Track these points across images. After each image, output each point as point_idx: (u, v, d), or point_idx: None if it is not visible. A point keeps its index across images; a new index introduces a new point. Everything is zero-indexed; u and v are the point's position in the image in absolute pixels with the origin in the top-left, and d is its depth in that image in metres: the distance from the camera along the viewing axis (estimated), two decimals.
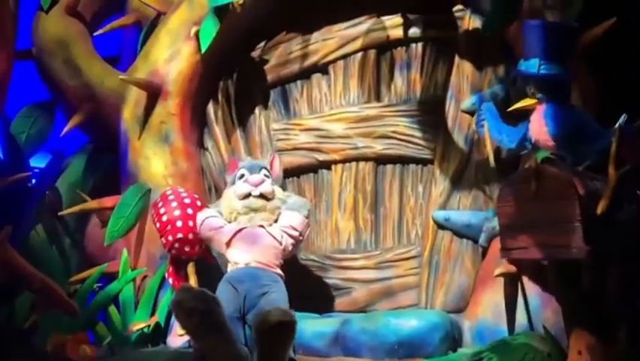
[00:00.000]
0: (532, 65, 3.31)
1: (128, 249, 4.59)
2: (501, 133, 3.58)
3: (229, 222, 4.03)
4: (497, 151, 4.28)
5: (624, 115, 3.20)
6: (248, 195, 4.02)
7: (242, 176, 4.10)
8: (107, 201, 4.68)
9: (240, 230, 3.96)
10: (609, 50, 3.90)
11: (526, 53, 3.39)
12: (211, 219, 4.05)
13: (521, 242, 3.30)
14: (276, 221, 4.02)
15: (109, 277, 4.64)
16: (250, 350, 3.37)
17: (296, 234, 3.99)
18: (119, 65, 5.37)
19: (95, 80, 4.94)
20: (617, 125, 3.19)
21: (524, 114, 3.51)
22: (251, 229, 3.96)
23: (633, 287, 3.35)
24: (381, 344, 3.73)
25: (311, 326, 3.90)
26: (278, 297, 3.74)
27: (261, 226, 3.97)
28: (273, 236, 3.94)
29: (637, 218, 3.30)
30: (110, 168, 5.01)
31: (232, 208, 4.03)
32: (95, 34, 5.16)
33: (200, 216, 4.08)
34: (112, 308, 4.46)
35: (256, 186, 4.02)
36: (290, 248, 3.99)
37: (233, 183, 4.14)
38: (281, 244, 3.94)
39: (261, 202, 4.02)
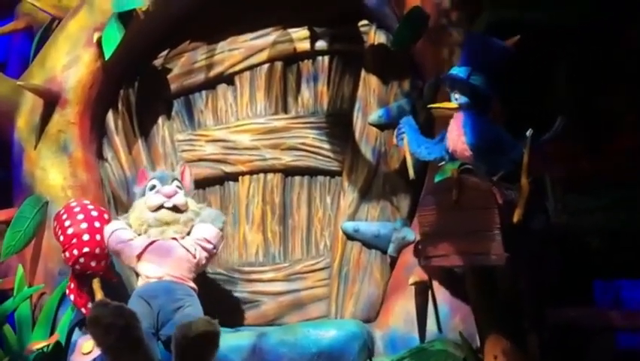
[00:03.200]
0: (462, 71, 3.41)
1: (23, 265, 4.34)
2: (420, 145, 3.66)
3: (139, 234, 3.89)
4: (404, 163, 4.40)
5: (530, 130, 3.34)
6: (160, 207, 3.90)
7: (153, 187, 3.98)
8: (0, 215, 4.40)
9: (152, 243, 3.84)
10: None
11: (461, 61, 3.50)
12: (120, 232, 3.90)
13: (441, 250, 3.38)
14: (188, 234, 3.92)
15: (1, 295, 4.36)
16: None
17: (210, 247, 3.91)
18: (6, 72, 5.09)
19: None
20: (527, 137, 3.32)
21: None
22: (163, 241, 3.85)
23: (543, 294, 3.51)
24: (300, 355, 3.71)
25: (226, 340, 3.77)
26: (193, 311, 3.64)
27: (174, 239, 3.85)
28: (186, 249, 3.84)
29: (547, 228, 3.46)
30: (1, 179, 4.73)
31: (143, 220, 3.90)
32: None
33: (108, 228, 3.92)
34: (7, 327, 4.20)
35: (169, 197, 3.91)
36: (204, 261, 3.91)
37: (143, 194, 4.00)
38: (195, 257, 3.85)
39: (173, 215, 3.91)
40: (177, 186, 3.99)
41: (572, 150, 3.86)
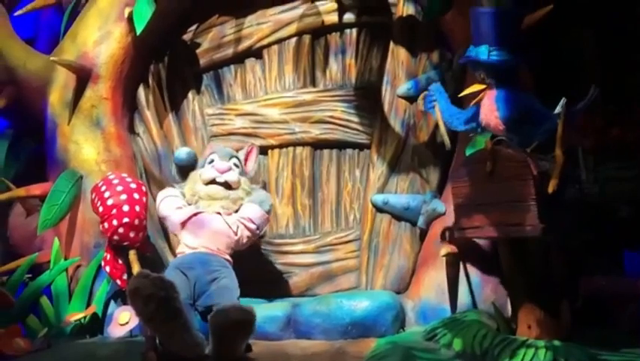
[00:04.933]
0: (482, 52, 3.38)
1: (58, 238, 4.41)
2: (451, 115, 3.65)
3: (190, 204, 3.97)
4: (433, 135, 4.42)
5: (564, 99, 3.33)
6: (212, 181, 3.95)
7: (212, 161, 4.03)
8: (35, 189, 4.48)
9: (197, 214, 3.90)
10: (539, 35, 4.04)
11: (476, 39, 3.46)
12: (171, 199, 3.99)
13: (476, 221, 3.39)
14: (236, 211, 3.97)
15: (35, 268, 4.44)
16: (206, 336, 3.32)
17: (253, 227, 3.96)
18: (35, 47, 5.12)
19: (17, 63, 4.73)
20: (559, 107, 3.31)
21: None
22: (207, 214, 3.91)
23: (575, 264, 3.53)
24: (334, 325, 3.76)
25: (262, 311, 3.84)
26: (228, 283, 3.70)
27: (219, 213, 3.90)
28: (228, 225, 3.89)
29: (580, 198, 3.47)
30: (33, 154, 4.79)
31: (194, 191, 3.99)
32: (15, 14, 4.89)
33: (162, 194, 4.04)
34: (44, 299, 4.29)
35: (222, 173, 3.98)
36: (244, 240, 3.96)
37: (203, 166, 4.06)
38: (236, 234, 3.90)
39: (223, 191, 3.96)
40: (234, 164, 4.03)
41: (602, 120, 3.85)
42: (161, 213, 4.01)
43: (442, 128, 3.72)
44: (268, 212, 4.05)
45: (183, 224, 3.90)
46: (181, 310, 3.21)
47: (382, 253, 4.38)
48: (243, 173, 4.09)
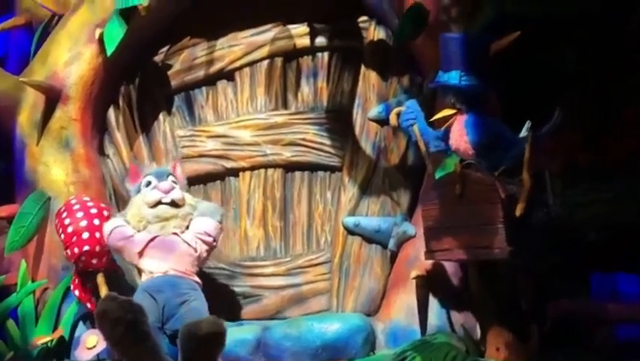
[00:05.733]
0: (453, 77, 3.43)
1: (26, 260, 4.36)
2: (427, 135, 3.67)
3: (138, 231, 3.92)
4: (404, 158, 4.45)
5: (528, 122, 3.38)
6: (158, 203, 3.92)
7: (149, 183, 4.00)
8: (2, 211, 4.44)
9: (153, 239, 3.87)
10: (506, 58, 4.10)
11: (445, 64, 3.51)
12: (120, 229, 3.92)
13: (445, 244, 3.42)
14: (187, 228, 3.95)
15: (4, 291, 4.37)
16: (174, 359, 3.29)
17: (210, 240, 3.95)
18: (5, 67, 5.10)
19: None
20: (528, 131, 3.35)
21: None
22: (164, 237, 3.88)
23: (543, 287, 3.56)
24: (304, 348, 3.76)
25: (232, 334, 3.79)
26: (198, 305, 3.68)
27: (175, 234, 3.88)
28: (187, 243, 3.87)
29: (547, 221, 3.51)
30: (2, 175, 4.74)
31: (141, 217, 3.92)
32: None
33: (108, 226, 3.95)
34: (10, 323, 4.22)
35: (166, 193, 3.94)
36: (205, 255, 3.95)
37: (139, 191, 4.03)
38: (196, 250, 3.88)
39: (172, 210, 3.93)
40: (173, 181, 4.02)
41: (570, 143, 3.91)
42: (113, 246, 3.94)
43: (422, 146, 3.70)
44: (220, 221, 4.04)
45: (141, 252, 3.85)
46: (149, 333, 3.17)
47: (353, 276, 4.39)
48: (182, 188, 4.07)
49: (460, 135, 3.41)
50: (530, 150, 3.31)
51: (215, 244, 4.03)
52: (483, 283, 3.50)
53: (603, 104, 4.03)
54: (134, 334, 3.13)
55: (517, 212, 3.23)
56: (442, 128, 3.57)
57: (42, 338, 4.04)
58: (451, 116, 3.49)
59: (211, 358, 3.22)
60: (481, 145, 3.38)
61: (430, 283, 3.96)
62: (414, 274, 3.86)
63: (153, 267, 3.84)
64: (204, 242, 3.93)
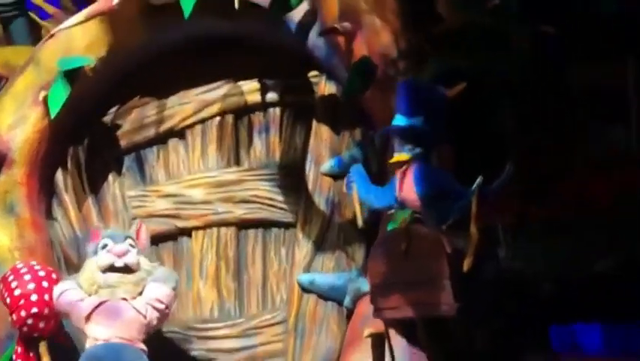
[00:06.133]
0: (397, 120, 3.43)
1: None
2: (369, 193, 3.63)
3: (89, 295, 3.81)
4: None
5: (480, 177, 3.35)
6: (111, 267, 3.83)
7: (104, 246, 3.91)
8: None
9: (101, 303, 3.76)
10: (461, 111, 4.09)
11: (400, 111, 3.51)
12: (69, 292, 3.82)
13: (393, 301, 3.33)
14: (140, 293, 3.84)
15: None
16: None
17: (162, 307, 3.83)
18: None
19: None
20: (475, 185, 3.32)
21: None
22: (113, 302, 3.77)
23: (499, 341, 3.48)
24: None
25: None
26: None
27: (124, 299, 3.77)
28: (136, 310, 3.76)
29: (498, 275, 3.45)
30: None
31: (93, 281, 3.83)
32: None
33: (57, 289, 3.86)
34: None
35: (120, 256, 3.84)
36: (155, 322, 3.83)
37: (95, 253, 3.93)
38: (145, 317, 3.77)
39: (123, 276, 3.84)
40: (130, 245, 3.92)
41: (520, 196, 3.87)
42: (61, 309, 3.85)
43: (357, 209, 3.67)
44: (174, 288, 3.94)
45: (88, 317, 3.74)
46: None
47: (309, 335, 4.28)
48: (139, 252, 3.97)
49: (409, 188, 3.38)
50: (477, 204, 3.26)
51: (167, 311, 3.92)
52: (433, 340, 3.41)
53: (554, 156, 4.01)
54: None
55: (465, 267, 3.17)
56: (397, 174, 3.52)
57: None
58: (404, 162, 3.43)
59: None
60: (429, 197, 3.34)
61: (386, 341, 3.86)
62: (367, 332, 3.74)
63: (98, 333, 3.72)
64: (156, 309, 3.82)
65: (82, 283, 3.86)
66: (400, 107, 3.50)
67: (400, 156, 3.53)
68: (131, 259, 3.87)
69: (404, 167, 3.51)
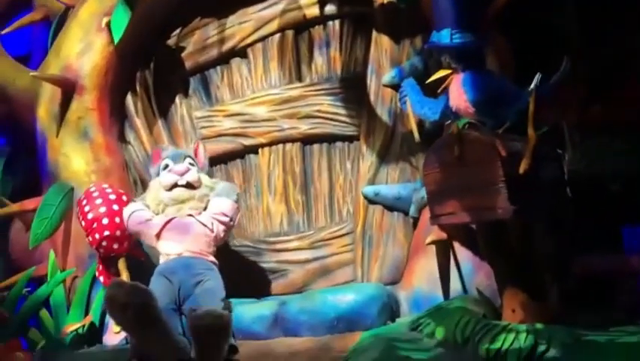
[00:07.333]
0: (444, 36, 3.31)
1: (54, 250, 4.48)
2: (423, 106, 3.57)
3: (156, 214, 3.97)
4: (420, 124, 4.33)
5: (538, 74, 3.23)
6: (174, 186, 3.95)
7: (166, 166, 4.03)
8: (29, 204, 4.55)
9: (169, 221, 3.90)
10: (520, 11, 3.93)
11: (438, 23, 3.38)
12: (138, 213, 3.97)
13: (449, 207, 3.31)
14: (205, 209, 3.96)
15: (37, 281, 4.51)
16: (189, 340, 3.31)
17: (226, 220, 3.95)
18: (31, 64, 5.24)
19: (6, 80, 4.80)
20: (532, 85, 3.22)
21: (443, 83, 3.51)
22: (180, 219, 3.91)
23: (562, 245, 3.43)
24: (320, 321, 3.73)
25: (249, 311, 3.88)
26: (213, 285, 3.69)
27: (190, 215, 3.90)
28: (203, 224, 3.89)
29: (560, 176, 3.37)
30: (29, 169, 4.86)
31: (159, 200, 3.97)
32: (2, 32, 4.97)
33: (127, 210, 4.01)
34: (43, 312, 4.35)
35: (181, 175, 3.96)
36: (222, 235, 3.95)
37: (158, 174, 4.07)
38: (212, 231, 3.90)
39: (188, 192, 3.96)
40: (190, 163, 4.03)
41: (582, 94, 3.74)
42: (132, 230, 4.01)
43: (412, 122, 3.61)
44: (236, 201, 4.04)
45: (158, 235, 3.89)
46: (158, 316, 3.21)
47: (377, 245, 4.33)
48: (199, 170, 4.07)
49: (459, 95, 3.29)
50: (534, 104, 3.16)
51: (232, 223, 4.03)
52: (492, 244, 3.39)
53: (615, 54, 3.83)
54: (144, 318, 3.18)
55: (521, 170, 3.09)
56: (440, 91, 3.45)
57: (72, 326, 4.15)
58: (446, 77, 3.36)
59: (217, 346, 3.22)
60: (481, 102, 3.25)
61: (451, 248, 3.88)
62: (429, 239, 3.79)
63: (169, 249, 3.87)
64: (221, 222, 3.95)
65: (149, 203, 4.02)
66: (436, 20, 3.38)
67: (441, 72, 3.42)
68: (192, 176, 3.99)
69: (447, 81, 3.42)
